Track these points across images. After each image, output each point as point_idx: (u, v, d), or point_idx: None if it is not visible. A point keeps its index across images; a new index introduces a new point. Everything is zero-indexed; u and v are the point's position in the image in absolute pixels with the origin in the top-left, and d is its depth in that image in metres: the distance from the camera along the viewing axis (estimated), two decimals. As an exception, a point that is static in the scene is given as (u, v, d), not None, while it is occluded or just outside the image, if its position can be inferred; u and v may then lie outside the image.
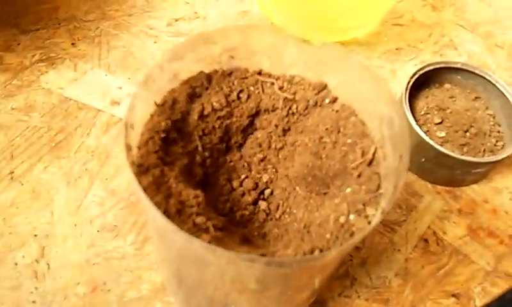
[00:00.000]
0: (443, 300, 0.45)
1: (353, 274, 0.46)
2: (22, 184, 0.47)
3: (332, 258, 0.25)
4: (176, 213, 0.26)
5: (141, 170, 0.28)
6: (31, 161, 0.48)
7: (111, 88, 0.55)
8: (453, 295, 0.46)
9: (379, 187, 0.30)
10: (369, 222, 0.28)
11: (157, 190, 0.27)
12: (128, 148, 0.28)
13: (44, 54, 0.57)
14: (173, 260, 0.31)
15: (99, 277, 0.43)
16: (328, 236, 0.28)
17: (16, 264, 0.43)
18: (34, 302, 0.41)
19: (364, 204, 0.29)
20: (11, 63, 0.55)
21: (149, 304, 0.42)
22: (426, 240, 0.49)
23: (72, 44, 0.58)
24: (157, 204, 0.26)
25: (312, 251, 0.26)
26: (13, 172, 0.47)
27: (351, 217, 0.29)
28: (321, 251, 0.26)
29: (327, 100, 0.34)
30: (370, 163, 0.31)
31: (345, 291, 0.45)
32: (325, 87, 0.34)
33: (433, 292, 0.45)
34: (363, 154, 0.32)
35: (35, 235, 0.44)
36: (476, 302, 0.45)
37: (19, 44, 0.57)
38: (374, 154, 0.31)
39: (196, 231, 0.26)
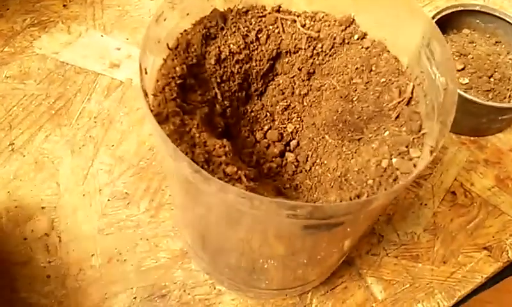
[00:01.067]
0: (474, 253, 0.43)
1: (380, 231, 0.43)
2: (24, 155, 0.44)
3: (380, 204, 0.23)
4: (205, 163, 0.23)
5: (159, 119, 0.25)
6: (31, 131, 0.45)
7: (108, 50, 0.51)
8: (485, 248, 0.43)
9: (421, 127, 0.27)
10: (415, 165, 0.26)
11: (180, 139, 0.24)
12: (145, 93, 0.24)
13: (35, 18, 0.53)
14: (200, 219, 0.29)
15: (114, 247, 0.40)
16: (370, 182, 0.25)
17: (25, 239, 0.40)
18: (48, 276, 0.38)
19: (407, 146, 0.26)
20: (2, 30, 0.52)
21: (168, 272, 0.39)
22: (453, 193, 0.46)
23: (64, 6, 0.54)
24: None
25: (358, 197, 0.23)
26: (13, 143, 0.44)
27: (394, 160, 0.26)
28: (367, 197, 0.24)
29: (355, 37, 0.31)
30: (408, 102, 0.28)
31: (373, 249, 0.42)
32: (352, 22, 0.31)
33: (464, 246, 0.43)
34: (400, 93, 0.29)
35: (42, 208, 0.41)
36: (509, 254, 0.43)
37: (8, 9, 0.53)
38: (412, 92, 0.28)
39: (228, 181, 0.23)
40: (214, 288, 0.38)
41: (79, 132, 0.46)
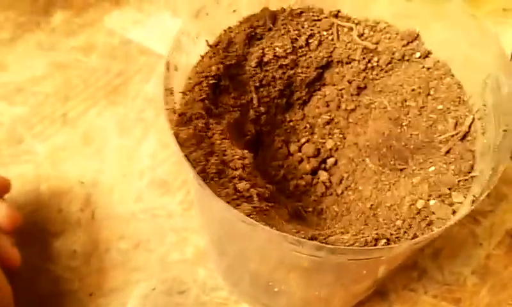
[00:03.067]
0: (524, 307, 0.38)
1: (423, 265, 0.40)
2: (75, 128, 0.45)
3: (401, 251, 0.20)
4: (216, 174, 0.22)
5: (182, 120, 0.24)
6: (86, 104, 0.46)
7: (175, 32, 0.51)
8: (538, 305, 0.38)
9: (472, 168, 0.24)
10: (454, 212, 0.23)
11: (197, 145, 0.23)
12: (170, 92, 0.23)
13: (109, -7, 0.54)
14: (213, 227, 0.27)
15: (143, 233, 0.40)
16: (398, 223, 0.23)
17: (60, 210, 0.41)
18: (75, 251, 0.39)
19: (450, 189, 0.23)
20: (76, 0, 0.53)
21: (191, 269, 0.38)
22: (515, 236, 0.41)
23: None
24: (195, 162, 0.22)
25: (376, 240, 0.21)
26: (66, 114, 0.45)
27: (432, 202, 0.23)
28: (388, 241, 0.21)
29: (417, 54, 0.27)
30: (464, 137, 0.25)
31: (411, 284, 0.39)
32: (416, 37, 0.27)
33: (514, 297, 0.39)
34: (456, 125, 0.25)
35: (82, 182, 0.42)
36: None
37: (84, -18, 0.55)
38: (470, 126, 0.25)
39: (237, 198, 0.21)
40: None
41: (132, 112, 0.46)
